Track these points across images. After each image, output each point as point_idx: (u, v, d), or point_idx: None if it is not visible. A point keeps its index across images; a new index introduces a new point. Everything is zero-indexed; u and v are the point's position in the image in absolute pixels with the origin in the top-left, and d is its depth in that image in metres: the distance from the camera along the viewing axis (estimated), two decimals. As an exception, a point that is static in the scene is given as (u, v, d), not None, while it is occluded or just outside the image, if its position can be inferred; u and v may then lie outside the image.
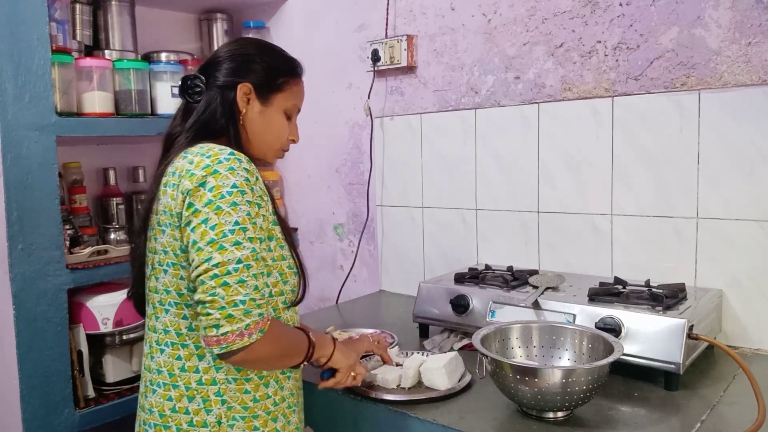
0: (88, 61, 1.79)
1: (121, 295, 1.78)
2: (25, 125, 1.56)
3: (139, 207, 2.10)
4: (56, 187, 1.63)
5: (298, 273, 1.15)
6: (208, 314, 0.98)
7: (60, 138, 1.64)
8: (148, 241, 1.15)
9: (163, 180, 1.11)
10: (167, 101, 1.94)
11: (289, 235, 1.16)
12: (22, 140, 1.56)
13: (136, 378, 1.87)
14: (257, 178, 1.09)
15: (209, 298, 0.98)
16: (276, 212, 1.14)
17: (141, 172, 2.16)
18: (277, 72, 1.22)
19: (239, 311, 0.98)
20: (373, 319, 1.97)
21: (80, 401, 1.70)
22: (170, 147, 1.18)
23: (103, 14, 1.97)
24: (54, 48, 1.64)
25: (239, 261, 0.99)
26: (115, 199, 2.05)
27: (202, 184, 1.03)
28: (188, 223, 1.03)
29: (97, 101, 1.78)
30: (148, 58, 2.03)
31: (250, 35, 2.28)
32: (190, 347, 1.10)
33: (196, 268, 1.00)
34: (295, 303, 1.17)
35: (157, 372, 1.12)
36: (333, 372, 1.22)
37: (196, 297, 1.00)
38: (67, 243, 1.72)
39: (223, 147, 1.09)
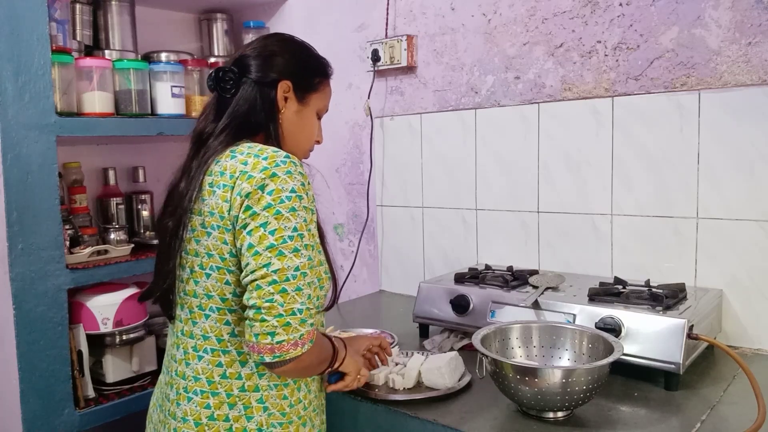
0: (88, 61, 1.79)
1: (121, 295, 1.78)
2: (25, 125, 1.56)
3: (140, 207, 2.10)
4: (56, 187, 1.62)
5: (332, 278, 1.15)
6: (264, 320, 0.96)
7: (60, 138, 1.63)
8: (186, 243, 1.10)
9: (208, 179, 1.08)
10: (167, 101, 1.94)
11: (324, 240, 1.16)
12: (22, 140, 1.55)
13: (137, 378, 1.87)
14: (309, 183, 1.07)
15: (266, 303, 0.96)
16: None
17: (141, 172, 2.16)
18: (313, 71, 1.20)
19: (296, 320, 0.97)
20: (373, 319, 1.97)
21: (80, 401, 1.70)
22: (203, 144, 1.13)
23: (103, 14, 1.96)
24: (54, 48, 1.64)
25: (297, 269, 0.99)
26: (115, 199, 2.05)
27: (261, 187, 1.01)
28: (245, 226, 1.01)
29: (97, 101, 1.77)
30: (148, 58, 2.03)
31: (251, 35, 2.28)
32: (232, 353, 1.08)
33: (252, 272, 0.99)
34: (328, 308, 1.17)
35: (194, 379, 1.09)
36: (340, 375, 1.20)
37: (251, 302, 0.98)
38: (67, 243, 1.72)
39: (276, 149, 1.07)
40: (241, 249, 1.01)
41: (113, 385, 1.82)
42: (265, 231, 0.99)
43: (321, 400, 1.21)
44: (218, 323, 1.08)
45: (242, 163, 1.04)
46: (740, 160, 1.50)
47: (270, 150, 1.06)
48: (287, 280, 0.97)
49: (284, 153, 1.06)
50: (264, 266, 0.98)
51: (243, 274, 1.01)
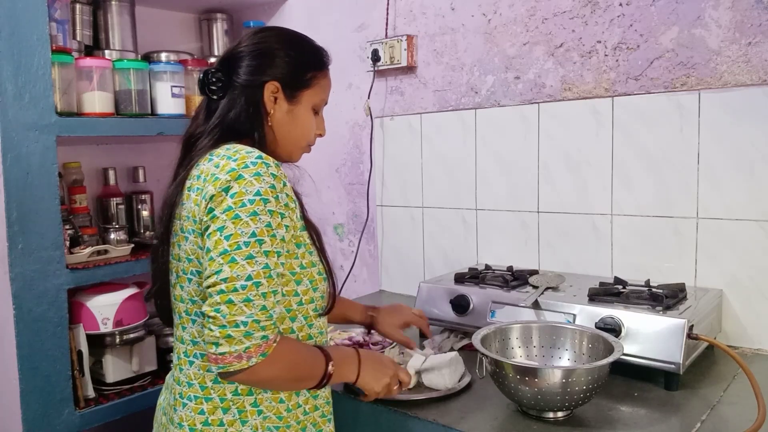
0: (88, 61, 1.79)
1: (121, 295, 1.78)
2: (25, 125, 1.56)
3: (140, 207, 2.11)
4: (56, 187, 1.62)
5: (327, 279, 1.11)
6: (210, 330, 0.94)
7: (60, 138, 1.63)
8: (171, 247, 1.09)
9: (187, 184, 1.06)
10: (167, 101, 1.94)
11: (319, 239, 1.11)
12: (22, 140, 1.55)
13: (137, 378, 1.87)
14: (284, 184, 1.02)
15: (213, 313, 0.94)
16: (304, 217, 1.08)
17: (141, 172, 2.16)
18: (304, 67, 1.14)
19: (239, 332, 0.93)
20: (373, 319, 1.96)
21: (80, 401, 1.70)
22: (191, 148, 1.12)
23: (103, 14, 1.97)
24: (54, 48, 1.64)
25: (249, 278, 0.94)
26: (115, 199, 2.05)
27: (226, 189, 0.97)
28: (206, 228, 0.98)
29: (97, 101, 1.77)
30: (148, 58, 2.03)
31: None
32: None
33: (206, 279, 0.96)
34: (327, 310, 1.12)
35: (187, 385, 1.07)
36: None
37: (203, 308, 0.96)
38: (67, 243, 1.72)
39: (251, 149, 1.03)
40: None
41: (113, 385, 1.82)
42: (221, 236, 0.96)
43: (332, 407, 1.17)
44: (204, 327, 1.04)
45: (215, 165, 1.01)
46: (740, 160, 1.50)
47: (244, 151, 1.02)
48: (235, 290, 0.93)
49: (258, 154, 1.01)
50: (215, 273, 0.95)
51: (202, 278, 0.99)
